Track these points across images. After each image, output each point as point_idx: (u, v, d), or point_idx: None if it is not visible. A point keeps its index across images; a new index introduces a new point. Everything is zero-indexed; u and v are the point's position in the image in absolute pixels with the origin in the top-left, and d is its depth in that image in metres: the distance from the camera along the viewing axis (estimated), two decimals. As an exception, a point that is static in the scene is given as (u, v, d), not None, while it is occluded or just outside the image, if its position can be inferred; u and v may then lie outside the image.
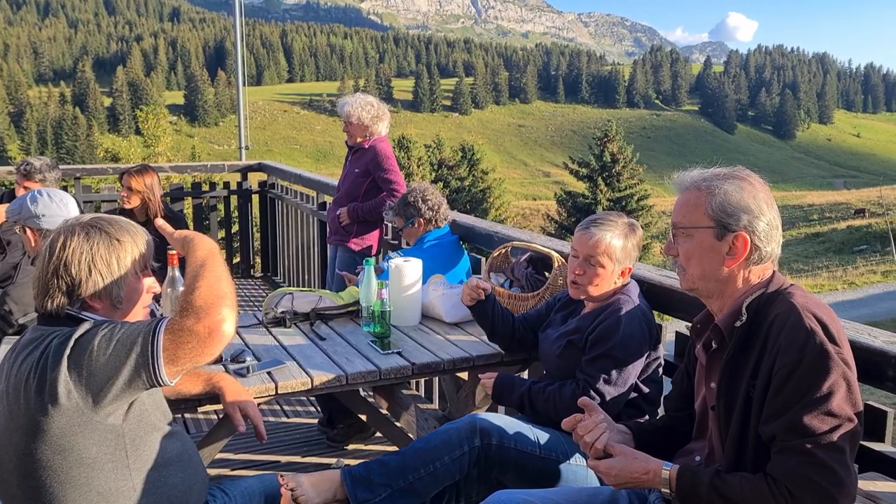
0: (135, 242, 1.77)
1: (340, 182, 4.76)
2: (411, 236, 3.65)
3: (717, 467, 1.62)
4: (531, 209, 67.39)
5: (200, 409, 2.36)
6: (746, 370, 1.58)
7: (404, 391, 3.43)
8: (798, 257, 45.79)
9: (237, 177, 7.36)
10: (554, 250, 2.99)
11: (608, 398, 2.25)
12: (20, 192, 4.27)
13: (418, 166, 41.01)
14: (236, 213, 7.36)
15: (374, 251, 4.56)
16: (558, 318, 2.58)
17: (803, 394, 1.48)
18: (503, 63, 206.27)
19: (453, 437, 2.19)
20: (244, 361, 2.45)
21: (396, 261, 3.02)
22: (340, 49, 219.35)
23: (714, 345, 1.68)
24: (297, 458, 3.47)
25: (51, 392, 1.56)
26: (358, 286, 3.16)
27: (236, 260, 7.42)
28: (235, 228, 7.74)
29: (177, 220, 4.43)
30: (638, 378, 2.33)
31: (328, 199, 5.43)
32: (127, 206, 4.42)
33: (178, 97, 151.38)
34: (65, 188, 6.05)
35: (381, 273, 3.02)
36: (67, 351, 1.57)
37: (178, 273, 2.28)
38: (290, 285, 6.62)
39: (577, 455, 2.25)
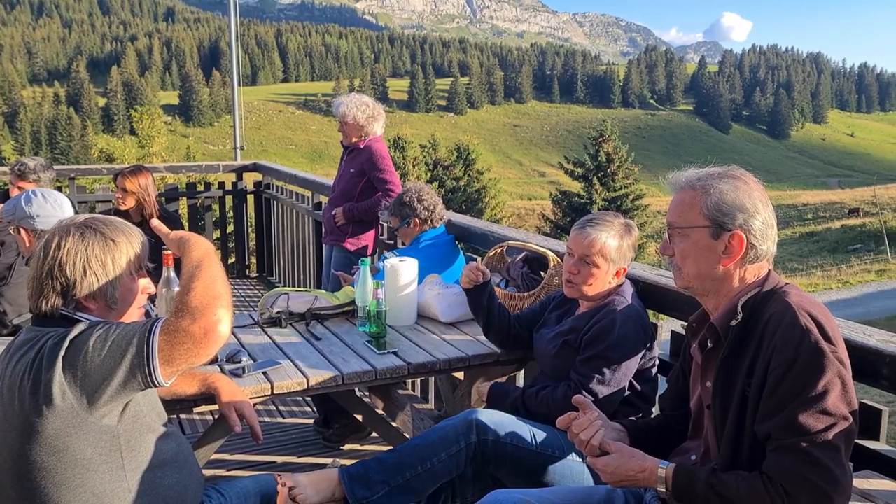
0: (130, 243, 1.76)
1: (336, 182, 4.75)
2: (407, 236, 3.65)
3: (712, 466, 1.62)
4: (526, 209, 67.38)
5: (196, 410, 2.35)
6: (742, 369, 1.59)
7: (400, 391, 3.43)
8: (793, 256, 45.89)
9: (232, 177, 7.35)
10: (549, 250, 3.00)
11: (601, 397, 2.26)
12: (14, 193, 4.26)
13: (414, 166, 41.01)
14: (231, 214, 7.35)
15: (369, 251, 4.56)
16: (553, 318, 2.59)
17: (798, 392, 1.48)
18: (498, 63, 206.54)
19: (450, 433, 2.19)
20: (240, 362, 2.44)
21: (392, 261, 3.02)
22: (335, 49, 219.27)
23: (710, 344, 1.69)
24: (293, 459, 3.46)
25: (45, 393, 1.55)
26: (353, 286, 3.15)
27: (232, 260, 7.41)
28: (231, 229, 7.73)
29: (172, 221, 4.41)
30: (633, 377, 2.34)
31: (324, 200, 5.43)
32: (122, 208, 4.41)
33: (172, 97, 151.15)
34: (59, 188, 6.02)
35: (377, 273, 3.02)
36: (62, 352, 1.56)
37: (173, 274, 2.28)
38: (285, 285, 6.61)
39: (574, 452, 2.25)
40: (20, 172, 4.41)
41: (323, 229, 4.88)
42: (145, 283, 1.82)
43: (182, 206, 7.97)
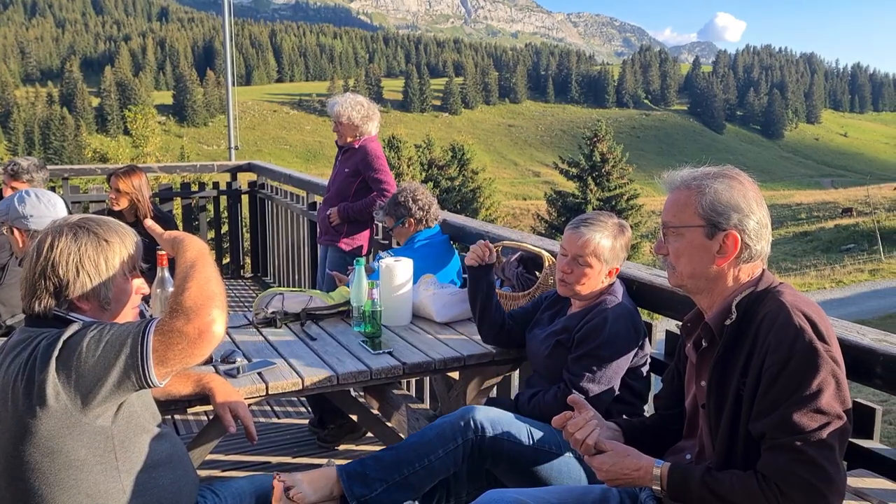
0: (123, 243, 1.76)
1: (330, 182, 4.75)
2: (402, 236, 3.64)
3: (707, 465, 1.62)
4: (521, 209, 67.45)
5: (190, 411, 2.35)
6: (736, 368, 1.59)
7: (395, 391, 3.43)
8: (786, 256, 46.01)
9: (227, 177, 7.34)
10: (544, 250, 3.00)
11: (592, 395, 2.28)
12: (7, 193, 4.24)
13: (408, 166, 41.03)
14: (226, 214, 7.33)
15: (364, 251, 4.56)
16: (545, 318, 2.60)
17: (793, 391, 1.49)
18: (493, 63, 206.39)
19: (447, 430, 2.19)
20: (234, 362, 2.44)
21: (387, 260, 3.02)
22: (330, 49, 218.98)
23: (704, 343, 1.69)
24: (288, 459, 3.46)
25: (39, 394, 1.54)
26: (348, 286, 3.15)
27: (226, 260, 7.39)
28: (225, 229, 7.72)
29: (166, 221, 4.40)
30: (625, 375, 2.36)
31: (318, 200, 5.42)
32: (115, 208, 4.39)
33: (166, 97, 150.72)
34: (53, 189, 6.00)
35: (372, 273, 3.02)
36: (56, 352, 1.56)
37: (167, 274, 2.27)
38: (280, 286, 6.60)
39: (571, 449, 2.26)
40: (13, 173, 4.39)
41: (318, 229, 4.88)
42: (139, 284, 1.82)
43: (176, 207, 7.93)
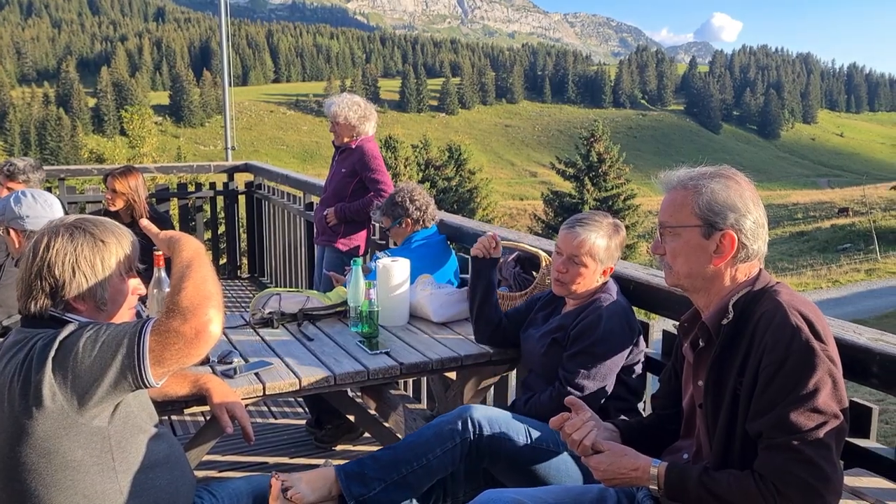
0: (119, 243, 1.75)
1: (327, 182, 4.74)
2: (399, 236, 3.64)
3: (705, 464, 1.63)
4: (518, 209, 67.48)
5: (187, 411, 2.35)
6: (733, 368, 1.59)
7: (392, 391, 3.43)
8: (783, 256, 46.08)
9: (223, 177, 7.33)
10: (541, 250, 3.00)
11: (587, 392, 2.29)
12: (3, 194, 4.23)
13: (405, 166, 41.01)
14: (223, 214, 7.33)
15: (361, 251, 4.55)
16: (539, 318, 2.61)
17: (790, 391, 1.49)
18: (490, 63, 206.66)
19: (445, 429, 2.20)
20: (231, 362, 2.43)
21: (384, 261, 3.01)
22: (327, 49, 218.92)
23: (701, 343, 1.69)
24: (286, 460, 3.46)
25: (35, 395, 1.54)
26: (345, 286, 3.15)
27: (223, 261, 7.40)
28: (222, 229, 7.72)
29: (162, 221, 4.39)
30: (620, 372, 2.37)
31: (315, 200, 5.42)
32: (112, 209, 4.38)
33: (163, 97, 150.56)
34: (49, 189, 5.98)
35: (369, 273, 3.02)
36: (52, 353, 1.56)
37: (163, 274, 2.27)
38: (277, 286, 6.59)
39: (568, 448, 2.26)
40: (9, 173, 4.38)
41: (314, 229, 4.87)
42: (135, 284, 1.81)
43: (173, 207, 7.92)
